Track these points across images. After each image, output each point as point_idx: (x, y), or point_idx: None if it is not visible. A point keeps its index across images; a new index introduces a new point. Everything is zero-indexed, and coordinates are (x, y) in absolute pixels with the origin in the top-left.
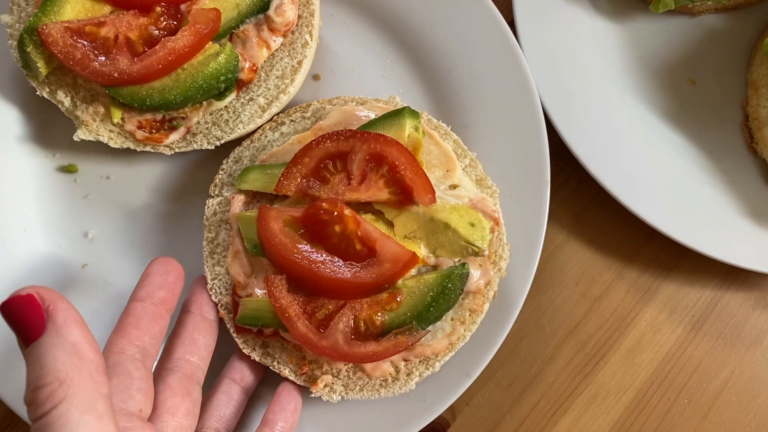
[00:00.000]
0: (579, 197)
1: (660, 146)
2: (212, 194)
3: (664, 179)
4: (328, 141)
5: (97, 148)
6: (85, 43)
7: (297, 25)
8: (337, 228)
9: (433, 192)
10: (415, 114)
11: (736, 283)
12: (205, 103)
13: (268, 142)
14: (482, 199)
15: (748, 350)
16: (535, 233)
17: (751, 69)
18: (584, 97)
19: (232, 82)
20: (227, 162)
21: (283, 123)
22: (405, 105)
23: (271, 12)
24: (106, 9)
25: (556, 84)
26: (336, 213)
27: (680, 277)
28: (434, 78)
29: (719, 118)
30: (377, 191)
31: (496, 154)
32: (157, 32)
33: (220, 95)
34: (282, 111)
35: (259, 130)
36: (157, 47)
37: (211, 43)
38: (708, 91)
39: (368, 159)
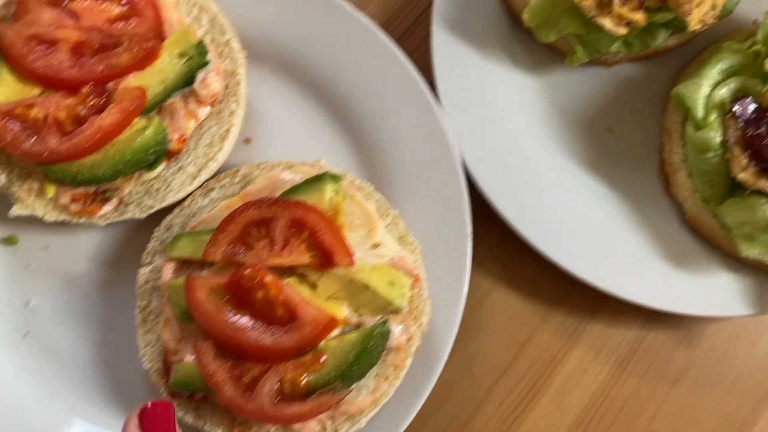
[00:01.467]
0: (504, 245)
1: (581, 194)
2: (144, 262)
3: (586, 227)
4: (252, 209)
5: (37, 219)
6: (16, 124)
7: (224, 94)
8: (260, 294)
9: (351, 255)
10: (335, 178)
11: (659, 322)
12: (136, 173)
13: (199, 208)
14: (402, 258)
15: (672, 387)
16: (457, 286)
17: (664, 116)
18: (505, 150)
19: (161, 154)
20: (159, 230)
21: (212, 189)
22: (328, 168)
23: (196, 85)
24: (36, 91)
25: (476, 139)
26: (258, 280)
27: (605, 319)
28: (360, 137)
29: (637, 164)
30: (299, 256)
31: (419, 210)
32: (85, 111)
33: (150, 166)
34: (212, 177)
35: (190, 197)
36: (84, 126)
37: (138, 118)
38: (626, 137)
39: (290, 225)
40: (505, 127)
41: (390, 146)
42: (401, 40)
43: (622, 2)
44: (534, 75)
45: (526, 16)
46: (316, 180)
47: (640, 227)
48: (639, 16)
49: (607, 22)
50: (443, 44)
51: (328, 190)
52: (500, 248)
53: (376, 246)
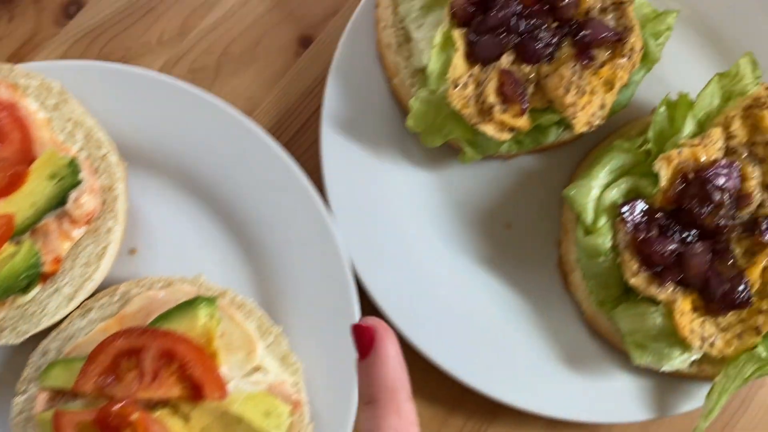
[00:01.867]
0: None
1: (479, 296)
2: (19, 391)
3: (483, 331)
4: (122, 338)
5: None
6: None
7: (101, 211)
8: None
9: (223, 388)
10: (209, 302)
11: (562, 422)
12: (10, 298)
13: (76, 330)
14: (282, 383)
15: None
16: (347, 403)
17: (562, 211)
18: (398, 254)
19: (34, 277)
20: (34, 355)
21: (91, 309)
22: (209, 285)
23: (69, 206)
24: None
25: (368, 244)
26: (123, 417)
27: (506, 421)
28: (248, 245)
29: (537, 261)
30: (169, 388)
31: (308, 323)
32: None
33: (24, 290)
34: (91, 296)
35: (68, 318)
36: None
37: (8, 243)
38: (525, 233)
39: (159, 356)
40: (399, 229)
41: (278, 255)
42: (290, 144)
43: (503, 109)
44: (430, 171)
45: (410, 122)
46: (189, 305)
47: (539, 328)
48: (522, 122)
49: (489, 129)
50: (333, 146)
51: (201, 316)
52: None
53: (255, 369)
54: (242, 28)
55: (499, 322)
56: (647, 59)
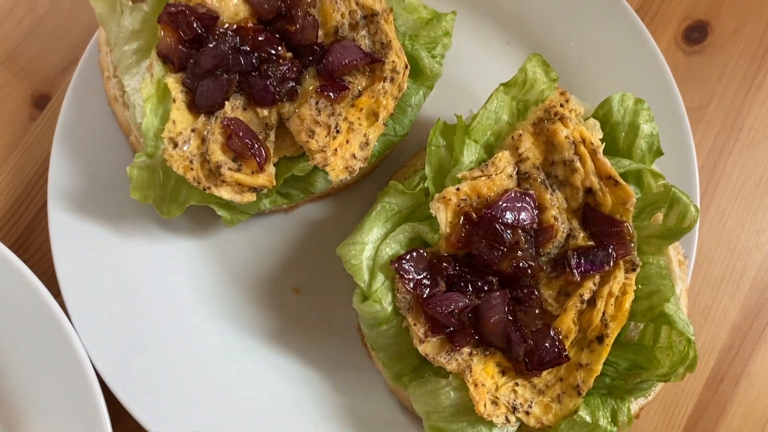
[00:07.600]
0: None
1: (269, 384)
2: None
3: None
4: None
5: None
6: None
7: None
8: None
9: None
10: None
11: None
12: None
13: None
14: None
15: None
16: None
17: None
18: (160, 353)
19: None
20: None
21: None
22: None
23: None
24: None
25: (120, 348)
26: None
27: None
28: None
29: (334, 328)
30: None
31: None
32: None
33: None
34: None
35: None
36: None
37: None
38: (317, 296)
39: None
40: (161, 318)
41: (15, 368)
42: (29, 232)
43: (237, 167)
44: (196, 240)
45: (133, 194)
46: None
47: (344, 413)
48: (263, 179)
49: (224, 193)
50: (65, 232)
51: None
52: None
53: None
54: None
55: (291, 408)
56: (423, 76)
